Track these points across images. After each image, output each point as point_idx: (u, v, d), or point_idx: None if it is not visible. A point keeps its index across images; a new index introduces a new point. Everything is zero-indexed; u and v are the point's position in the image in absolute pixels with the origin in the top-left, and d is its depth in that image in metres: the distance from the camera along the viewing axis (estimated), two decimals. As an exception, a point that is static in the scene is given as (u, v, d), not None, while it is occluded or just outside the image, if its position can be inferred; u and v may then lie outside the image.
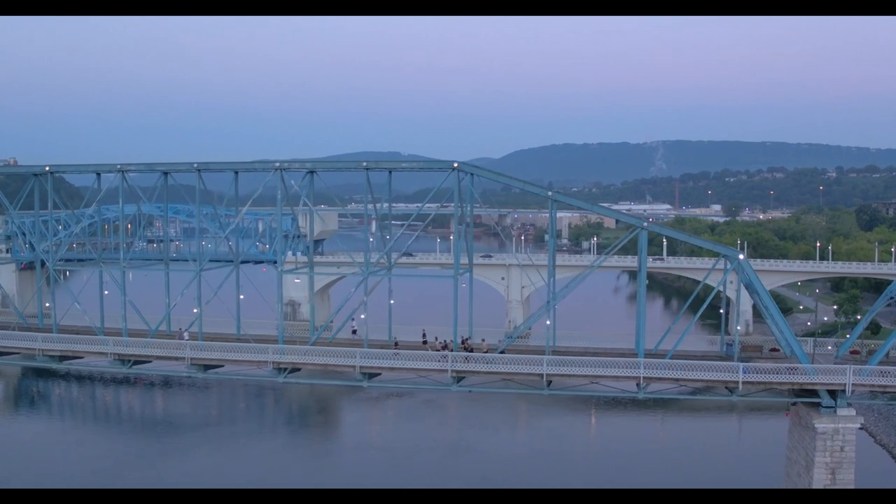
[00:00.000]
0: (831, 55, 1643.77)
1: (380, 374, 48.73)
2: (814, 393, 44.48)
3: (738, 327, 58.51)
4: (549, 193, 46.49)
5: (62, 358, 54.91)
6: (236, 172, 52.34)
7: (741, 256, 44.14)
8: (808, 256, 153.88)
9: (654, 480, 62.93)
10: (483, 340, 50.79)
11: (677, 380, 43.75)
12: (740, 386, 43.20)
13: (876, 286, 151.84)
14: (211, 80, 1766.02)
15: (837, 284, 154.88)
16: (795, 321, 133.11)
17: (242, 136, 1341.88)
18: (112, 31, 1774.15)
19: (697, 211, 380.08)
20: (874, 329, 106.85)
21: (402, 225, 65.18)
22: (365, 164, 46.89)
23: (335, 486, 60.21)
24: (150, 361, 53.48)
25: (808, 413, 45.12)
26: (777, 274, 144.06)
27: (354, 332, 54.50)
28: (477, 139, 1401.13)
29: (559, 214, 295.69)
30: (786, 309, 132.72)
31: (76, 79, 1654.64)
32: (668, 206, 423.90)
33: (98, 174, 55.69)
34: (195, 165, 51.27)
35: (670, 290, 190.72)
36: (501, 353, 46.25)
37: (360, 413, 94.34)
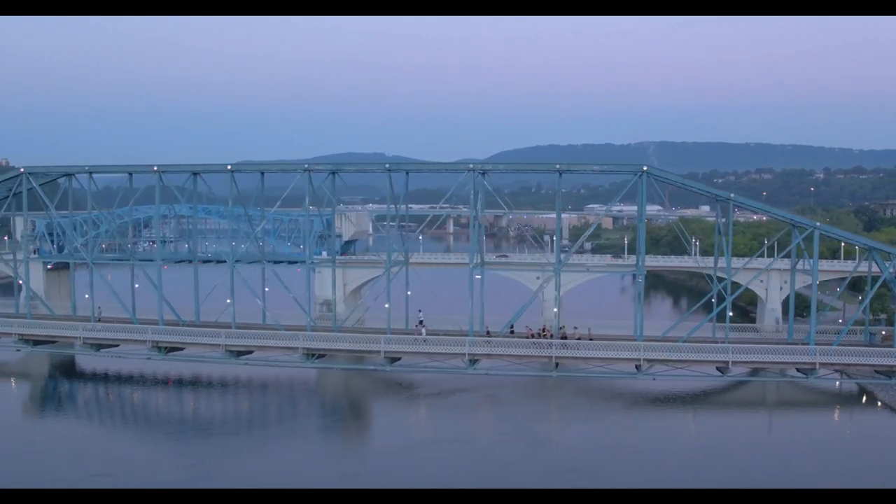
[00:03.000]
0: (812, 58, 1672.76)
1: (558, 364, 52.62)
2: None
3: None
4: (731, 196, 51.01)
5: (240, 353, 57.90)
6: (407, 172, 55.27)
7: (903, 253, 49.23)
8: (820, 256, 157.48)
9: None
10: (575, 328, 54.97)
11: (848, 364, 48.74)
12: (909, 369, 48.28)
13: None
14: (211, 80, 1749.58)
15: (855, 283, 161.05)
16: (826, 319, 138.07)
17: (242, 136, 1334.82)
18: (112, 31, 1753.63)
19: (688, 212, 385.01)
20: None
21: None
22: (558, 166, 50.59)
23: (422, 482, 61.66)
24: (324, 356, 56.98)
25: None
26: (802, 274, 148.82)
27: (421, 322, 56.50)
28: (463, 139, 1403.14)
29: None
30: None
31: (76, 79, 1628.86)
32: (659, 208, 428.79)
33: (233, 173, 56.58)
34: (330, 167, 54.17)
35: (682, 289, 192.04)
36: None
37: (419, 409, 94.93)
